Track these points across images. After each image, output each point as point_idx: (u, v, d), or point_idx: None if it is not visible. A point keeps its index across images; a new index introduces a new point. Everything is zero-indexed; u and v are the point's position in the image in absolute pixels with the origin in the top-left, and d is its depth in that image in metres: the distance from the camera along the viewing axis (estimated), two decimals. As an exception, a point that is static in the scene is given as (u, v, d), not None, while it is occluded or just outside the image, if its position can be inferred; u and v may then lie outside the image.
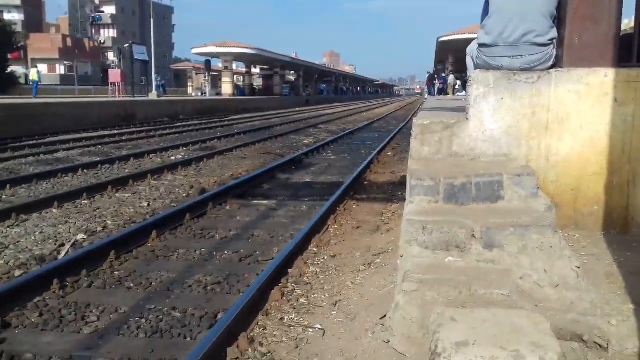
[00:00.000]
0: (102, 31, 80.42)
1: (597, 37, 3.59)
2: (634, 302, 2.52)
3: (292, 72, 62.90)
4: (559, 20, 3.75)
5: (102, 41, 78.21)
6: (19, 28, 60.34)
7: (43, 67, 66.64)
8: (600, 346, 2.30)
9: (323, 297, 3.71)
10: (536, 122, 3.66)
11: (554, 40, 3.71)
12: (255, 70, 58.81)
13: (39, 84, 30.16)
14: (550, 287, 2.57)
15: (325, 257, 4.63)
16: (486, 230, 2.76)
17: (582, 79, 3.56)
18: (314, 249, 4.82)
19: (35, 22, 71.62)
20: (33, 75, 30.34)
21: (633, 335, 2.30)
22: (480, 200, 3.15)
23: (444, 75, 37.26)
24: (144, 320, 3.42)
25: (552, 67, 3.74)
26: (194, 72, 58.88)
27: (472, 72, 3.94)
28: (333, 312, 3.39)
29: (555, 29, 3.70)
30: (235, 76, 51.13)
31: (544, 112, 3.64)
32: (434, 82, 36.61)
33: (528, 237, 2.72)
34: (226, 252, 4.88)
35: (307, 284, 3.98)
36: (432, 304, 2.43)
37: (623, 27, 4.49)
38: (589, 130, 3.59)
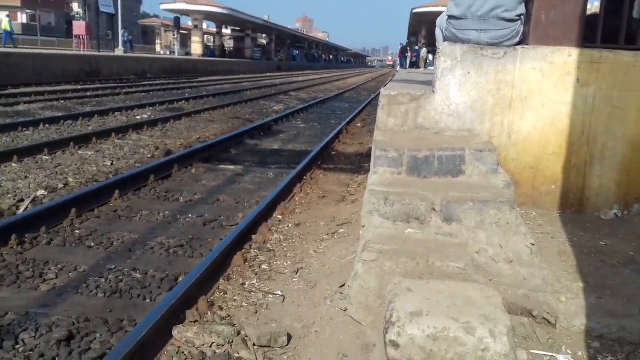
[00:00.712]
0: (66, -21, 77.01)
1: (563, 15, 3.63)
2: (583, 280, 2.63)
3: (264, 35, 61.82)
4: (527, -5, 3.77)
5: (67, -10, 74.94)
6: (-23, -29, 57.36)
7: (3, 15, 63.79)
8: (549, 322, 2.40)
9: (285, 264, 3.75)
10: (500, 99, 3.71)
11: (522, 16, 3.73)
12: (227, 31, 57.50)
13: (13, 33, 28.71)
14: (504, 262, 2.66)
15: (290, 225, 4.66)
16: (446, 203, 2.83)
17: (546, 56, 3.61)
18: (279, 216, 4.84)
19: (-5, -34, 68.05)
20: (5, 24, 28.38)
21: (580, 313, 2.40)
22: (441, 174, 3.21)
23: (417, 47, 37.18)
24: (103, 280, 3.40)
25: (519, 43, 3.77)
26: (162, 29, 57.31)
27: (440, 45, 3.95)
28: (294, 279, 3.43)
29: (523, 5, 3.71)
30: (205, 36, 50.00)
31: (508, 89, 3.69)
32: (406, 54, 36.52)
33: (486, 212, 2.80)
34: (190, 215, 4.86)
35: (270, 250, 4.01)
36: (390, 274, 2.49)
37: (592, 11, 4.55)
38: (550, 109, 3.66)
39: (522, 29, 3.74)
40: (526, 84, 3.64)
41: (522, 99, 3.67)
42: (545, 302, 2.45)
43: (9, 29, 28.09)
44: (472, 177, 3.17)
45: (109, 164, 6.75)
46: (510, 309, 2.36)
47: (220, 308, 3.04)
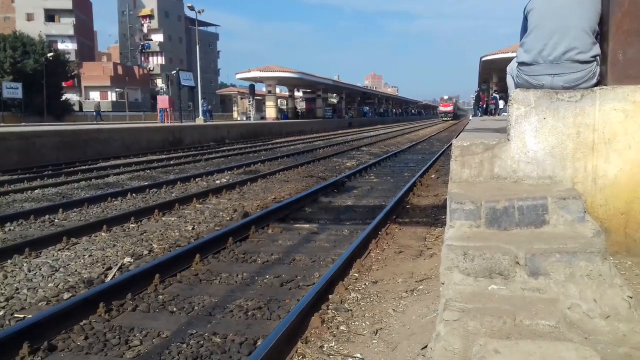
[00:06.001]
0: (150, 58, 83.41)
1: (641, 52, 3.46)
2: (692, 335, 2.36)
3: (335, 94, 63.38)
4: (601, 35, 3.64)
5: (151, 68, 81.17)
6: (72, 57, 63.67)
7: (96, 95, 69.77)
8: (655, 382, 2.16)
9: (364, 324, 3.65)
10: (581, 143, 3.53)
11: (597, 57, 3.60)
12: (298, 93, 59.59)
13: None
14: (600, 318, 2.45)
15: (367, 283, 4.57)
16: (531, 256, 2.67)
17: (628, 96, 3.43)
18: (355, 274, 4.77)
19: (87, 51, 75.20)
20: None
21: (691, 372, 2.15)
22: (523, 225, 3.05)
23: (495, 95, 36.52)
24: (185, 345, 3.44)
25: (596, 84, 3.62)
26: (238, 96, 60.19)
27: (512, 92, 3.86)
28: (374, 341, 3.33)
29: (597, 45, 3.59)
30: (278, 100, 51.98)
31: (589, 132, 3.51)
32: (479, 102, 36.16)
33: (575, 264, 2.61)
34: (267, 276, 4.89)
35: (348, 310, 3.93)
36: (475, 335, 2.35)
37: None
38: (638, 150, 3.43)
39: (598, 69, 3.59)
40: (608, 125, 3.45)
41: (606, 142, 3.47)
42: (651, 362, 2.21)
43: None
44: (557, 227, 2.99)
45: (190, 228, 6.98)
46: (611, 370, 2.14)
47: (300, 373, 2.97)
